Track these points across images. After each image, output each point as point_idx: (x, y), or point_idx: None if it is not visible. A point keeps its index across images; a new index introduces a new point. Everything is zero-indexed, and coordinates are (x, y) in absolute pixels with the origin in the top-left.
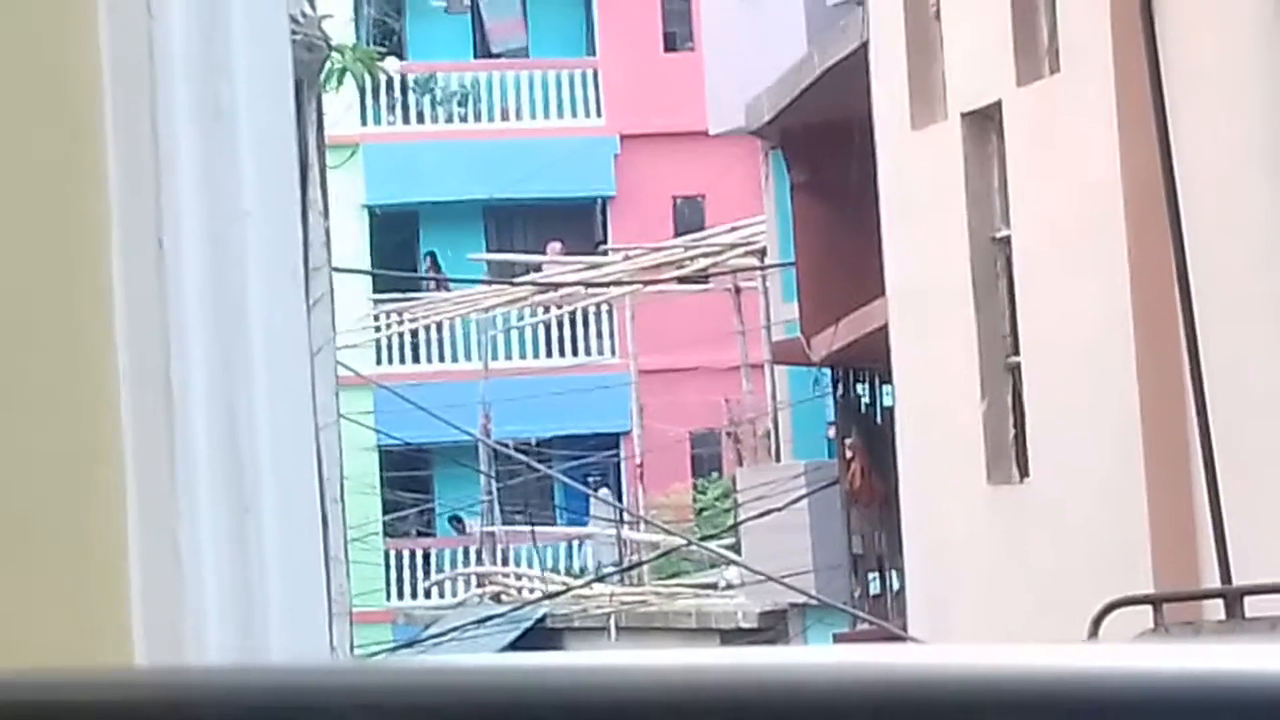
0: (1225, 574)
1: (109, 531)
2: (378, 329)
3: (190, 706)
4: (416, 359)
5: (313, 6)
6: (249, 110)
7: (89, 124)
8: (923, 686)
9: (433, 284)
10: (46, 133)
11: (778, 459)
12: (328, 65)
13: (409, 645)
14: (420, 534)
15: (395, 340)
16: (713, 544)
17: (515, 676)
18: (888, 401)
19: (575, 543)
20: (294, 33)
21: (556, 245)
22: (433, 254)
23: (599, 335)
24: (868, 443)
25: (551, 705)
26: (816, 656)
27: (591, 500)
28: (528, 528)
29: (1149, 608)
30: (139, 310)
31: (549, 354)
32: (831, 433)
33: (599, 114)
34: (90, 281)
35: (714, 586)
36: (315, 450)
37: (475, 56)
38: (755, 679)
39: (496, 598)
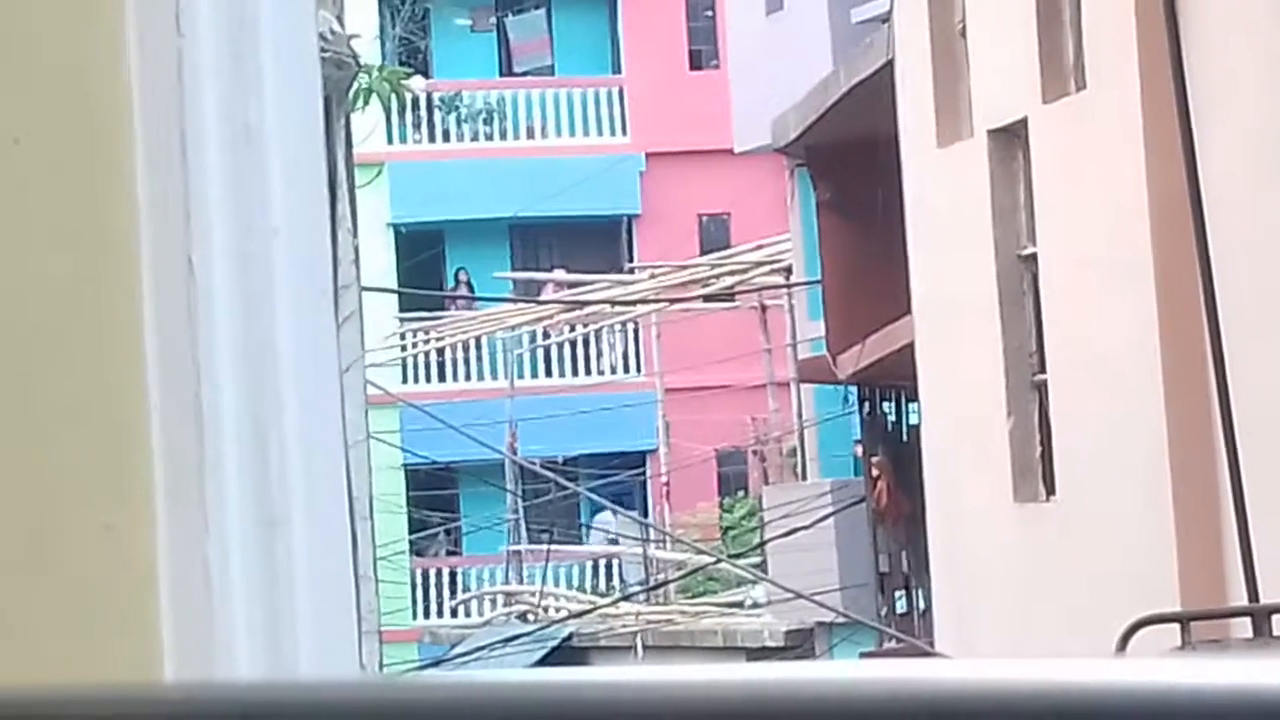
0: (1253, 592)
1: (138, 549)
2: (403, 348)
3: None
4: (442, 378)
5: (341, 24)
6: (278, 128)
7: (118, 142)
8: (952, 699)
9: (460, 302)
10: (75, 151)
11: (804, 477)
12: (355, 84)
13: (435, 664)
14: (447, 553)
15: (421, 359)
16: (739, 563)
17: (548, 692)
18: (914, 419)
19: (602, 561)
20: (323, 50)
21: (560, 272)
22: (464, 269)
23: (625, 354)
24: (894, 461)
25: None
26: (845, 671)
27: (605, 516)
28: (554, 546)
29: (1176, 626)
30: (168, 328)
31: (575, 372)
32: (858, 451)
33: (624, 132)
34: (120, 300)
35: (740, 605)
36: (345, 468)
37: (500, 75)
38: (784, 693)
39: (523, 616)
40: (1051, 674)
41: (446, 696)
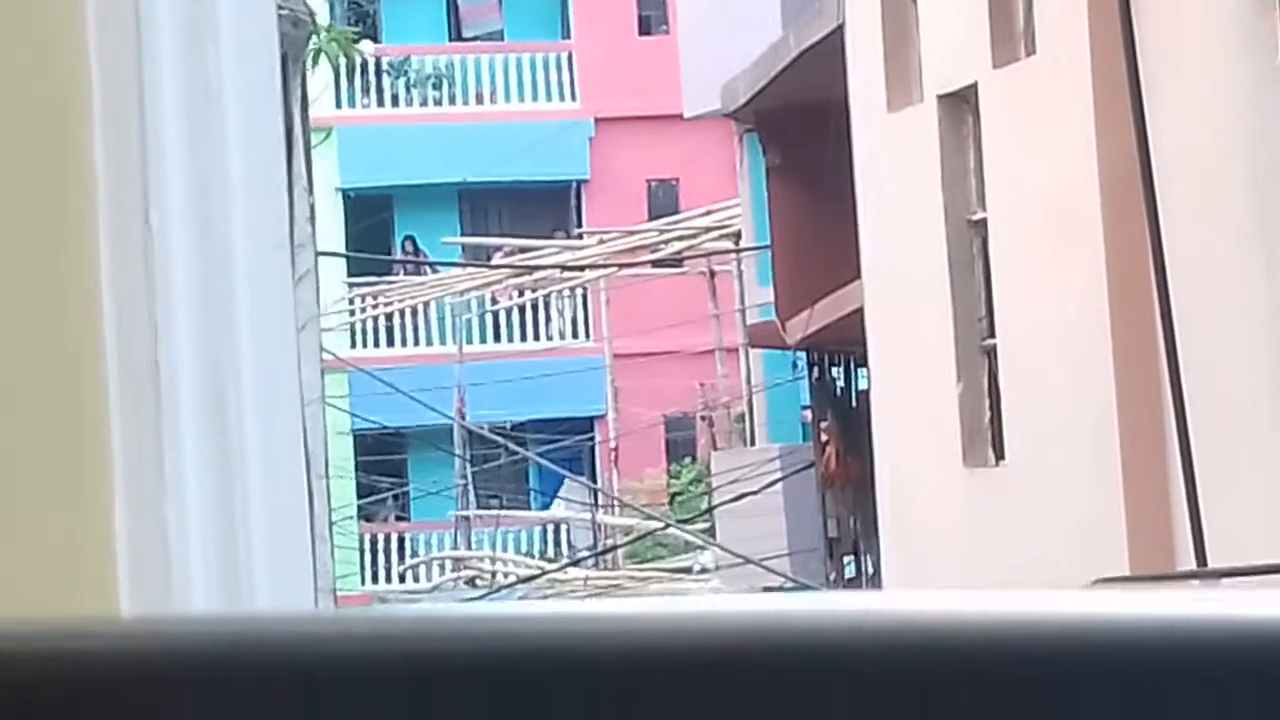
0: (1201, 557)
1: (94, 508)
2: (352, 312)
3: (174, 655)
4: (391, 343)
5: None
6: (235, 85)
7: (74, 101)
8: (918, 630)
9: (409, 267)
10: (30, 109)
11: (752, 442)
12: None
13: None
14: (396, 518)
15: (370, 324)
16: (687, 528)
17: (510, 623)
18: (863, 384)
19: (550, 526)
20: (279, 8)
21: (509, 237)
22: (412, 238)
23: (574, 319)
24: (843, 426)
25: (543, 650)
26: (805, 603)
27: (566, 483)
28: (502, 511)
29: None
30: (126, 287)
31: (524, 338)
32: (806, 416)
33: (574, 97)
34: (77, 259)
35: (688, 570)
36: (301, 425)
37: (450, 39)
38: (742, 627)
39: (471, 581)
40: (1016, 606)
41: (405, 629)
